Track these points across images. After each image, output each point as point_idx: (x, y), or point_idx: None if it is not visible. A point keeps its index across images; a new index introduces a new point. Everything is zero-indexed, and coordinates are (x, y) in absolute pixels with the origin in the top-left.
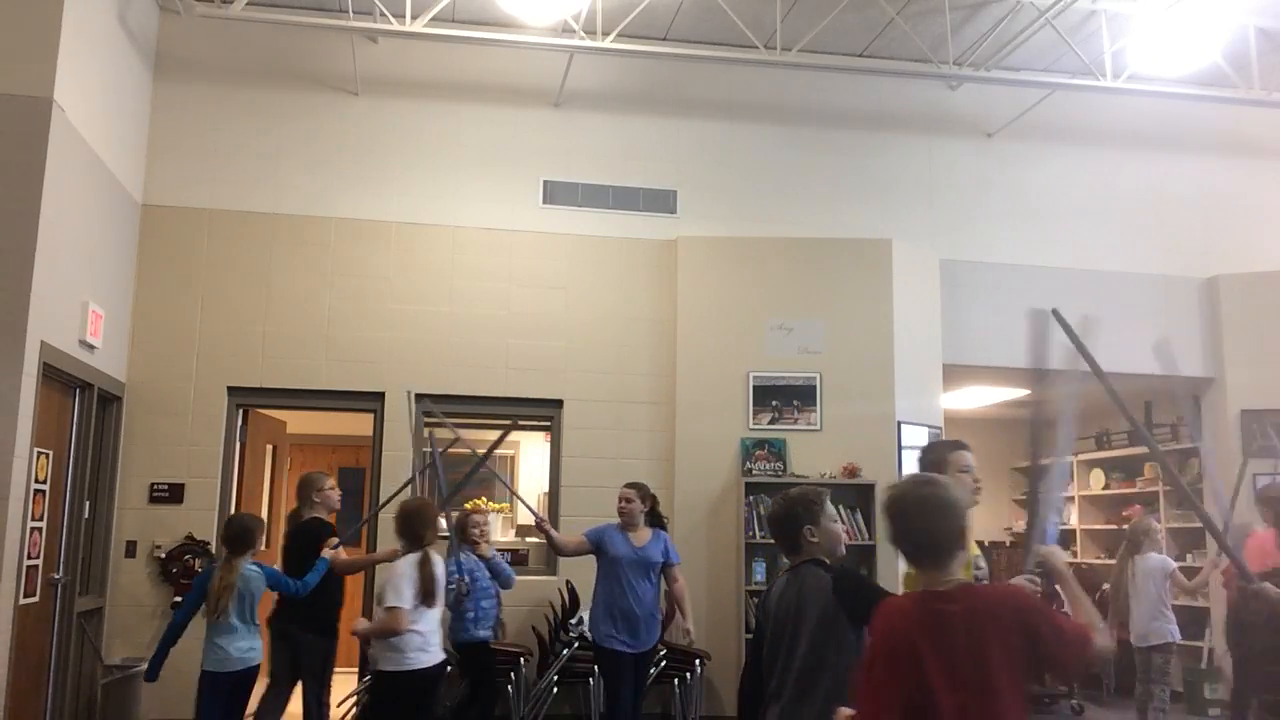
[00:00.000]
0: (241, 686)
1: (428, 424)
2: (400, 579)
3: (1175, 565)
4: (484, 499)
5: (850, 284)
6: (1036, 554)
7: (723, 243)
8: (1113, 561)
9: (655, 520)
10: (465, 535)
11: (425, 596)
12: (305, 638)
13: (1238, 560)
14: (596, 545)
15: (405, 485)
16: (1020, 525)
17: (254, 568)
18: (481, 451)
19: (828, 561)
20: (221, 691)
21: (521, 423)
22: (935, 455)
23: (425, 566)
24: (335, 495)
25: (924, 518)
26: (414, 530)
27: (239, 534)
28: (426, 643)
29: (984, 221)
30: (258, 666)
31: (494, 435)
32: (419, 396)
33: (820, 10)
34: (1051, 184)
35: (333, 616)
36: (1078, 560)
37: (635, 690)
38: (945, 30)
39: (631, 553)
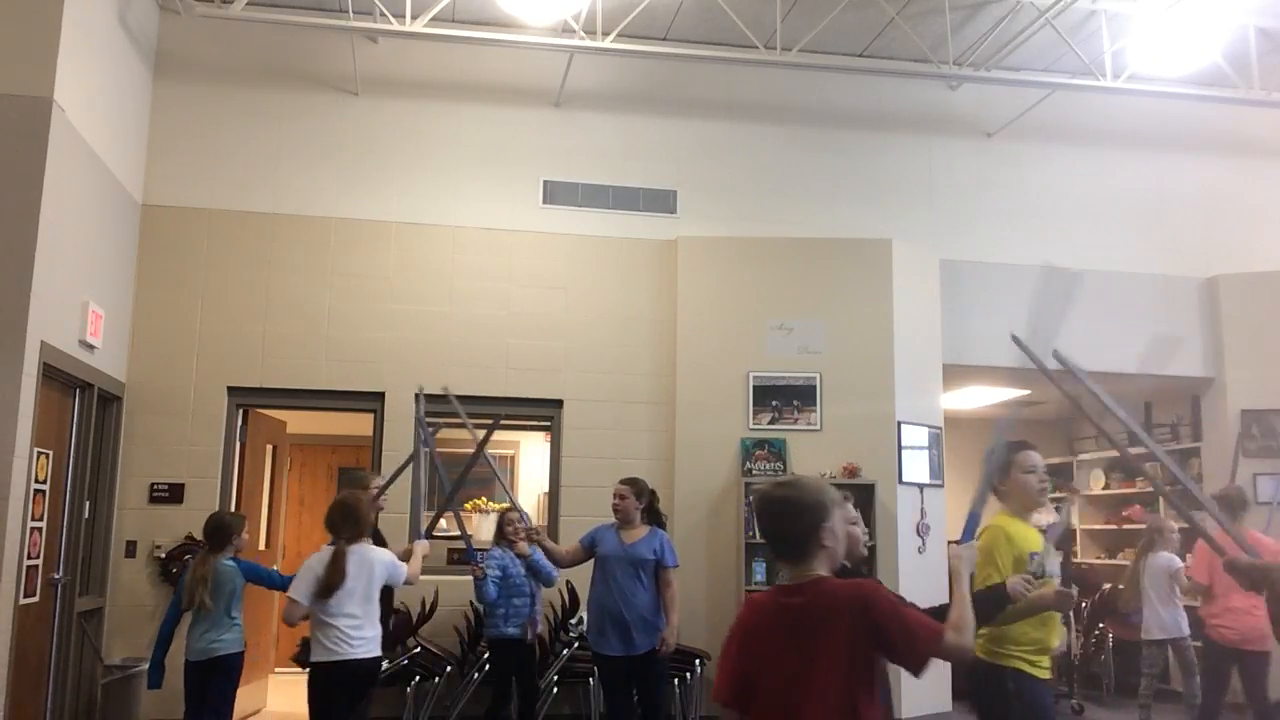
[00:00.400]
0: (216, 674)
1: (433, 422)
2: (304, 571)
3: (1181, 565)
4: (484, 499)
5: (850, 284)
6: (951, 553)
7: (723, 243)
8: (1113, 561)
9: (654, 518)
10: (502, 533)
11: (322, 591)
12: None
13: (1207, 534)
14: (590, 546)
15: (403, 467)
16: None
17: (229, 563)
18: (475, 450)
19: (847, 563)
20: (193, 677)
21: (522, 423)
22: (1000, 456)
23: (334, 563)
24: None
25: (779, 518)
26: (333, 525)
27: (214, 530)
28: (346, 637)
29: (984, 221)
30: (231, 657)
31: (495, 435)
32: (428, 397)
33: (820, 10)
34: (1051, 184)
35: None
36: (1078, 560)
37: (645, 695)
38: (945, 30)
39: (620, 551)
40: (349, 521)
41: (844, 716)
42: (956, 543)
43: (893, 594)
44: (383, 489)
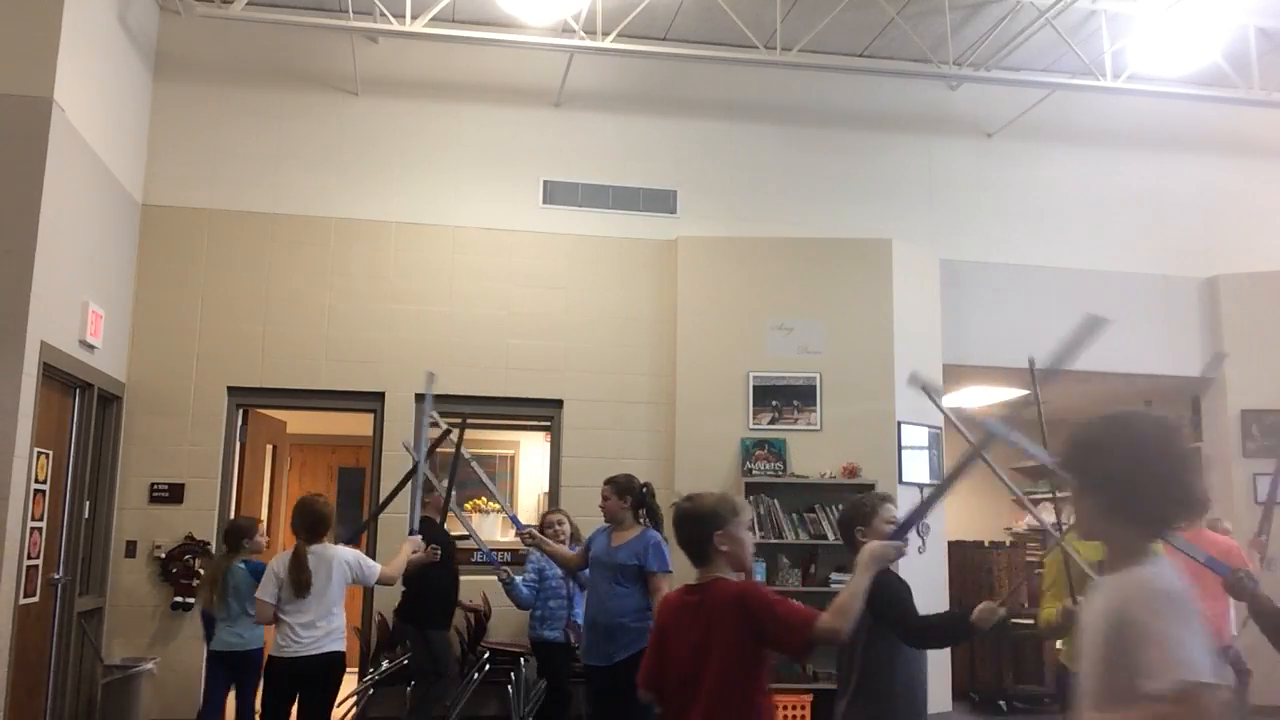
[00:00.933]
0: (235, 669)
1: (434, 423)
2: (267, 573)
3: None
4: (483, 499)
5: (850, 284)
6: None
7: (723, 243)
8: None
9: (651, 516)
10: (542, 535)
11: (297, 589)
12: (429, 632)
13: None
14: (587, 549)
15: (405, 480)
16: (1020, 525)
17: (240, 565)
18: (469, 453)
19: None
20: (213, 667)
21: (522, 423)
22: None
23: (294, 561)
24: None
25: (679, 528)
26: (294, 526)
27: (228, 533)
28: (296, 635)
29: (984, 221)
30: (250, 653)
31: (495, 436)
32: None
33: (820, 10)
34: (1051, 184)
35: (451, 609)
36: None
37: (624, 707)
38: (945, 30)
39: (603, 554)
40: (305, 522)
41: (732, 704)
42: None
43: (771, 592)
44: (395, 492)
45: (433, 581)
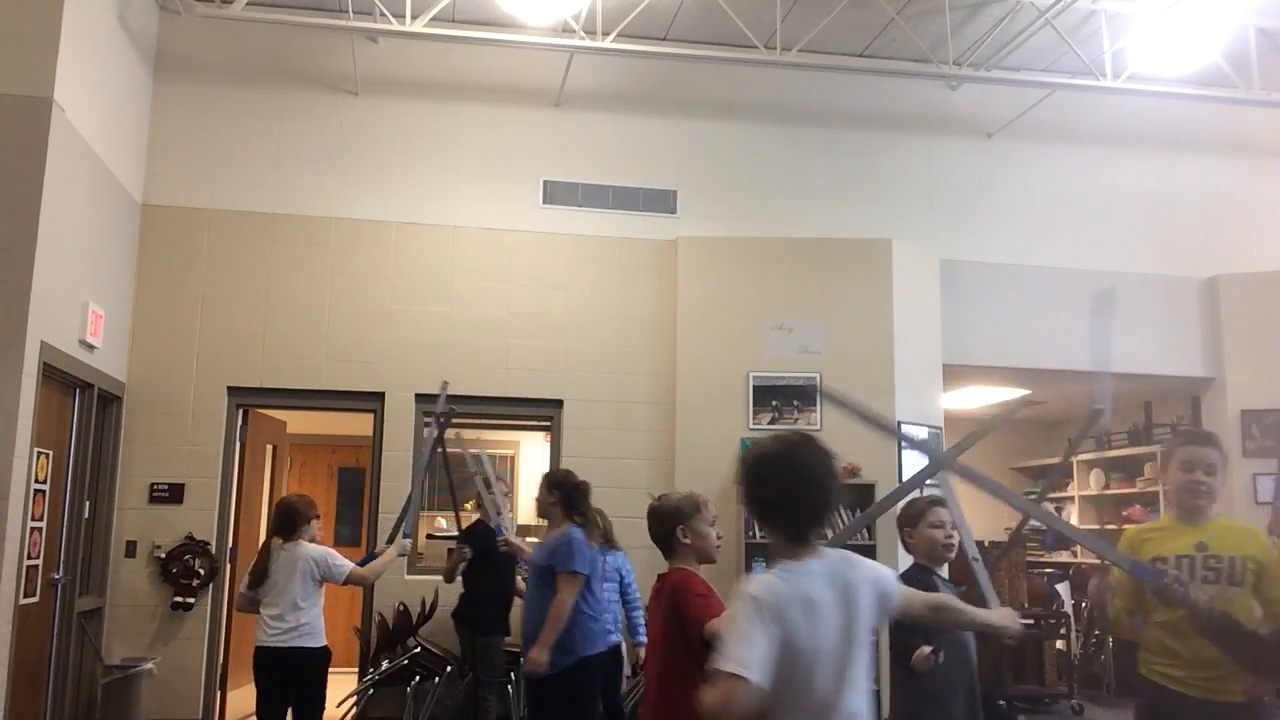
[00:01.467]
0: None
1: (435, 421)
2: (250, 568)
3: None
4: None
5: (850, 284)
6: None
7: (723, 243)
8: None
9: (584, 517)
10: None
11: (249, 582)
12: (480, 638)
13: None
14: None
15: (406, 506)
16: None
17: None
18: (475, 453)
19: (928, 565)
20: None
21: (522, 423)
22: (1167, 449)
23: (258, 557)
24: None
25: (649, 524)
26: (271, 525)
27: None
28: (267, 625)
29: (984, 221)
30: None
31: (495, 435)
32: (426, 396)
33: (820, 10)
34: (1051, 184)
35: (502, 614)
36: (1077, 560)
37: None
38: (945, 30)
39: (535, 554)
40: (275, 519)
41: (674, 687)
42: None
43: (702, 586)
44: (407, 504)
45: (483, 586)
